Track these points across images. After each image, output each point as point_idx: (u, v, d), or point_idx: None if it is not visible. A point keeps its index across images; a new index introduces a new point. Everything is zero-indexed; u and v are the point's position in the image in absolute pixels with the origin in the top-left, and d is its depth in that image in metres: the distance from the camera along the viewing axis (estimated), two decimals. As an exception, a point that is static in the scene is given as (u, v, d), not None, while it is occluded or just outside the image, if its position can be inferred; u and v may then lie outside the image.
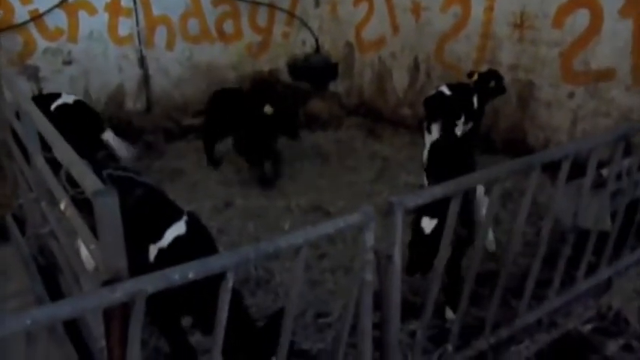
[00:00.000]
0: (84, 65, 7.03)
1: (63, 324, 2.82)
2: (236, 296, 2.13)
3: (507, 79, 5.93)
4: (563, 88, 5.77)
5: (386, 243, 2.43)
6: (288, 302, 2.16)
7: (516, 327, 3.44)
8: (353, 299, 2.40)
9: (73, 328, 2.92)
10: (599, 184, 3.65)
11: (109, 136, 5.51)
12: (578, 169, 3.32)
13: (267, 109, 5.50)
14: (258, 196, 5.47)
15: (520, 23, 5.97)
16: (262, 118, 5.54)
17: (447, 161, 4.28)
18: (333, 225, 2.15)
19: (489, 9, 6.23)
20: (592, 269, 3.85)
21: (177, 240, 2.84)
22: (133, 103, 7.53)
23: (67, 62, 6.94)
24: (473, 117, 5.57)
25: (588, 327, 3.74)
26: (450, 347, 3.04)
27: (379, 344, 2.69)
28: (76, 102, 5.61)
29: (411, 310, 3.70)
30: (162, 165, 6.30)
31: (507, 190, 5.28)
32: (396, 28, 7.43)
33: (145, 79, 7.54)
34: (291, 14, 8.36)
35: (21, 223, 4.02)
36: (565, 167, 3.16)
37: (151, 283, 1.74)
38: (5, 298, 3.28)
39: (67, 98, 5.57)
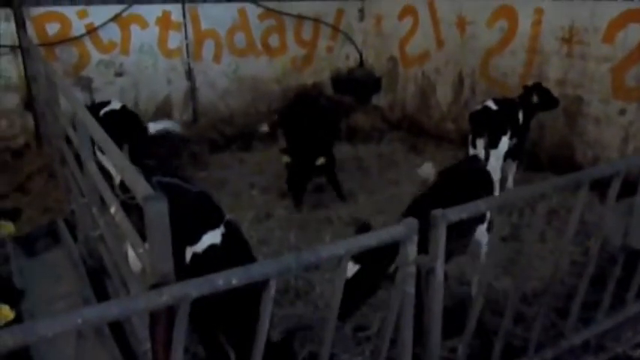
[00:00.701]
0: (134, 77, 7.29)
1: (108, 326, 2.90)
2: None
3: (555, 94, 5.80)
4: (613, 105, 5.61)
5: (429, 256, 2.42)
6: (330, 312, 2.16)
7: (562, 348, 3.33)
8: (394, 312, 2.38)
9: (118, 331, 3.00)
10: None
11: (152, 126, 5.81)
12: (628, 187, 3.22)
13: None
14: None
15: (569, 38, 5.85)
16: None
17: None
18: (376, 237, 2.15)
19: (537, 23, 6.14)
20: (642, 293, 3.70)
21: (211, 248, 2.90)
22: (179, 114, 7.74)
23: (119, 74, 7.20)
24: (518, 132, 5.49)
25: (639, 352, 3.59)
26: (491, 367, 2.97)
27: (419, 359, 2.66)
28: (123, 107, 5.85)
29: (452, 327, 3.67)
30: (206, 175, 6.43)
31: (553, 208, 5.16)
32: (440, 43, 7.40)
33: (192, 91, 7.74)
34: (335, 28, 8.45)
35: (72, 227, 4.17)
36: (615, 185, 3.07)
37: (195, 287, 1.78)
38: (54, 299, 3.40)
39: (115, 105, 5.81)
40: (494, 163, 5.25)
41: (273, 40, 8.13)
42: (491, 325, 3.72)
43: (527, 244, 3.02)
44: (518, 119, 5.47)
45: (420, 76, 7.82)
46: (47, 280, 3.64)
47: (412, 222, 2.26)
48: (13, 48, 6.55)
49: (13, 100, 6.74)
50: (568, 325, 3.32)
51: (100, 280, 3.47)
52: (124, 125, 5.52)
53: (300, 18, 8.14)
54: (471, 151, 5.29)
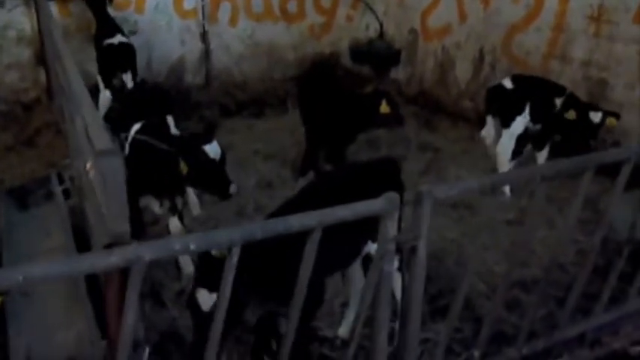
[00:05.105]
0: (148, 36, 7.15)
1: (86, 284, 2.86)
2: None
3: (578, 75, 5.55)
4: (638, 90, 5.32)
5: (411, 234, 2.29)
6: (297, 287, 2.06)
7: (555, 339, 3.20)
8: (371, 289, 2.27)
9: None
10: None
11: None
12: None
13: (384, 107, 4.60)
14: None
15: (597, 16, 5.54)
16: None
17: None
18: (352, 209, 2.02)
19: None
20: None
21: None
22: (192, 77, 7.61)
23: (133, 32, 7.07)
24: (547, 120, 5.09)
25: (637, 349, 3.44)
26: (476, 353, 2.85)
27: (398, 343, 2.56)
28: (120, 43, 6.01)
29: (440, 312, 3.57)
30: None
31: (567, 195, 4.95)
32: (463, 17, 7.11)
33: (206, 54, 7.59)
34: (356, -4, 8.18)
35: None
36: (625, 171, 2.88)
37: (149, 250, 1.69)
38: (39, 253, 3.37)
39: (114, 39, 5.98)
40: (506, 143, 5.05)
41: (292, 6, 7.90)
42: (485, 310, 3.60)
43: (526, 228, 2.87)
44: (550, 105, 5.05)
45: (440, 51, 7.54)
46: (35, 234, 3.61)
47: (393, 196, 2.13)
48: (27, 0, 6.48)
49: (26, 53, 6.69)
50: (563, 315, 3.18)
51: (86, 237, 3.42)
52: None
53: (321, -16, 7.90)
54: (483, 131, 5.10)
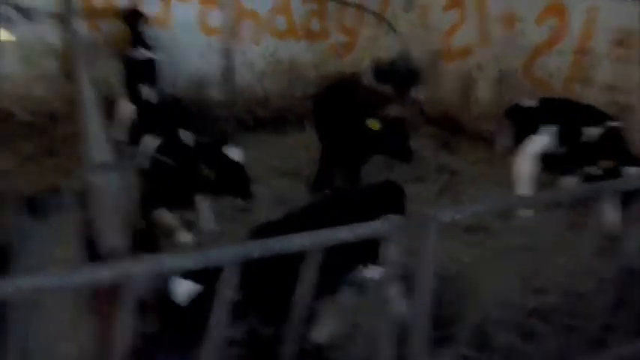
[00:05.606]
0: (172, 52, 7.24)
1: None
2: None
3: (603, 100, 5.42)
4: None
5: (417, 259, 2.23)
6: (295, 311, 2.01)
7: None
8: (373, 313, 2.22)
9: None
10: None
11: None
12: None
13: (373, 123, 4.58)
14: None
15: (622, 40, 5.44)
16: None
17: None
18: (351, 231, 1.98)
19: (589, 22, 5.73)
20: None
21: None
22: (214, 93, 7.68)
23: (158, 48, 7.17)
24: (574, 145, 4.85)
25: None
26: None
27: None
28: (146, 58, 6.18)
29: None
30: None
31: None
32: (485, 39, 7.06)
33: (228, 71, 7.66)
34: (379, 17, 8.20)
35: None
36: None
37: (141, 267, 1.67)
38: (49, 262, 3.38)
39: (140, 54, 6.18)
40: (522, 163, 4.94)
41: (315, 25, 7.95)
42: (498, 339, 3.49)
43: (538, 254, 2.79)
44: (576, 132, 4.83)
45: (462, 72, 7.49)
46: (47, 245, 3.63)
47: (395, 219, 2.08)
48: (59, 14, 6.64)
49: (53, 66, 6.84)
50: (576, 347, 3.07)
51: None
52: None
53: (344, 4, 7.93)
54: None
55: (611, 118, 4.90)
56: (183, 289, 2.20)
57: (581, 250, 2.80)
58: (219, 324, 1.90)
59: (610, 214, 3.74)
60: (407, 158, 4.71)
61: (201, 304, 2.17)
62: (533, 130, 4.88)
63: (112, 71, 6.41)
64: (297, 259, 1.93)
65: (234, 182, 3.49)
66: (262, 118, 7.61)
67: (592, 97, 5.68)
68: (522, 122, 4.97)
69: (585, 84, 5.64)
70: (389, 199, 3.00)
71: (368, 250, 2.13)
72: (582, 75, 5.83)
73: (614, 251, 3.02)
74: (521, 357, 3.43)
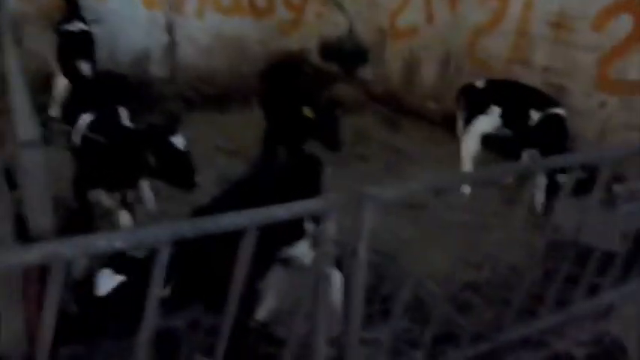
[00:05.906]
0: (112, 26, 7.00)
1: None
2: None
3: (539, 81, 5.61)
4: (595, 97, 5.42)
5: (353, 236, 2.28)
6: (233, 288, 2.02)
7: (499, 341, 3.22)
8: (310, 290, 2.25)
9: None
10: (610, 201, 3.39)
11: None
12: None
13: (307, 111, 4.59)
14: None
15: (558, 23, 5.62)
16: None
17: None
18: (288, 209, 1.99)
19: (528, 5, 5.89)
20: (594, 291, 3.59)
21: None
22: (157, 69, 7.48)
23: (96, 21, 6.90)
24: (519, 126, 5.04)
25: (581, 351, 3.50)
26: (419, 354, 2.86)
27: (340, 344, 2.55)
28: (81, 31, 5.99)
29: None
30: (175, 132, 6.22)
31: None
32: (430, 18, 7.15)
33: (171, 46, 7.47)
34: (326, -6, 8.15)
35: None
36: (572, 178, 2.92)
37: (70, 248, 1.63)
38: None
39: (74, 26, 5.96)
40: (468, 142, 5.10)
41: (261, 1, 7.83)
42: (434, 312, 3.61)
43: (473, 229, 2.90)
44: (523, 114, 5.00)
45: (408, 52, 7.58)
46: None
47: (333, 197, 2.11)
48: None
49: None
50: (508, 317, 3.22)
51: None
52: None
53: (291, -20, 7.85)
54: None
55: (557, 104, 5.10)
56: (104, 279, 2.16)
57: (512, 224, 2.91)
58: (151, 312, 1.87)
59: (539, 191, 3.95)
60: (335, 148, 4.76)
61: (123, 294, 2.14)
62: (481, 111, 5.02)
63: (45, 45, 6.13)
64: (232, 238, 1.93)
65: (177, 172, 3.41)
66: (207, 95, 7.46)
67: (530, 78, 5.88)
68: (473, 102, 5.09)
69: (524, 65, 5.81)
70: (308, 174, 3.03)
71: (295, 228, 2.15)
72: (521, 56, 6.00)
73: (542, 226, 3.17)
74: (456, 328, 3.57)
